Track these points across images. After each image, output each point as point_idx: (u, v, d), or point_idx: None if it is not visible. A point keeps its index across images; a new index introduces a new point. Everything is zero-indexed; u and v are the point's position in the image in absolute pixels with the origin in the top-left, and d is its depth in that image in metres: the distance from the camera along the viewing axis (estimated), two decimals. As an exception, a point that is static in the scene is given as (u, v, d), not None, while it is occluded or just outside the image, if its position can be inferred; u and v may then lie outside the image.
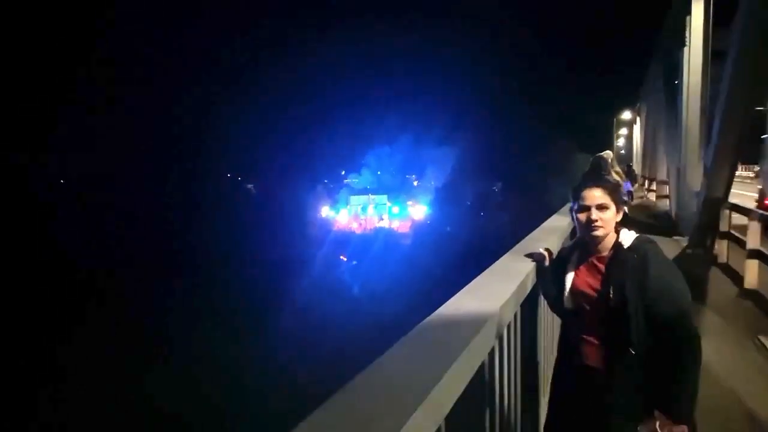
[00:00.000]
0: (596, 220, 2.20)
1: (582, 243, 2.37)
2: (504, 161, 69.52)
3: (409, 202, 66.42)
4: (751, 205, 12.08)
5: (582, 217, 2.25)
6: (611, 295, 2.10)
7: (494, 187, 73.50)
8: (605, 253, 2.24)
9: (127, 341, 24.70)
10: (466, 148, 67.87)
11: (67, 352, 23.77)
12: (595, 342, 2.19)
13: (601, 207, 2.22)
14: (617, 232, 2.24)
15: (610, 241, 2.23)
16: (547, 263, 2.63)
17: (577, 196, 2.28)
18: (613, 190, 2.28)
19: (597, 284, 2.20)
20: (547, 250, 2.73)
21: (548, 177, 55.62)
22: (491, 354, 1.88)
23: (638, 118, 33.19)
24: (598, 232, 2.21)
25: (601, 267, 2.22)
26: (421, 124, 78.68)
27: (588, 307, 2.22)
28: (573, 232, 3.08)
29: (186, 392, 19.92)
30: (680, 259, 8.20)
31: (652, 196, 21.69)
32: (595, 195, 2.23)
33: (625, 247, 2.17)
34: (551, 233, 4.05)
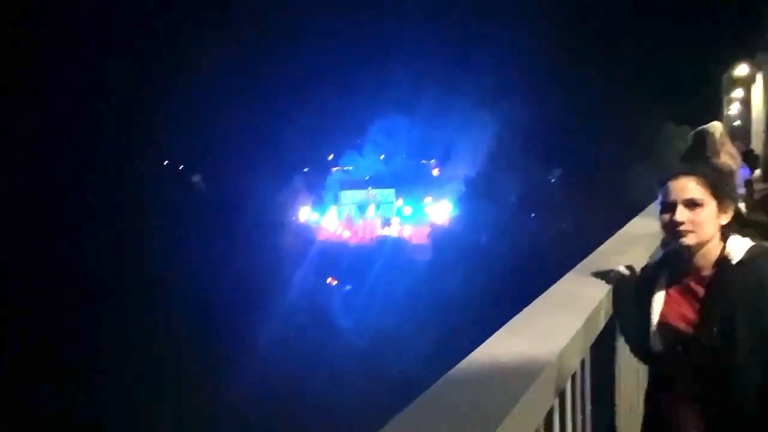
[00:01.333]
0: (681, 222, 2.20)
1: (673, 257, 2.37)
2: (565, 140, 69.12)
3: (428, 200, 66.48)
4: None
5: (665, 217, 2.26)
6: (714, 332, 2.10)
7: (551, 177, 73.32)
8: (706, 272, 2.24)
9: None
10: (509, 121, 67.71)
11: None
12: (694, 398, 2.19)
13: (692, 203, 2.22)
14: (724, 240, 2.25)
15: (712, 254, 2.23)
16: (628, 288, 2.63)
17: (661, 189, 2.29)
18: (716, 180, 2.28)
19: (695, 316, 2.21)
20: (628, 267, 2.73)
21: (629, 162, 55.48)
22: (548, 419, 1.88)
23: (759, 75, 33.06)
24: (687, 240, 2.21)
25: (701, 291, 2.22)
26: (445, 86, 77.67)
27: (683, 350, 2.22)
28: (665, 242, 3.09)
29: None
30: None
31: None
32: (685, 186, 2.24)
33: (734, 262, 2.16)
34: (633, 243, 4.05)
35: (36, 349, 31.09)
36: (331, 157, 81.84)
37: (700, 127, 6.89)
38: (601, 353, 2.59)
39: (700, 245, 2.22)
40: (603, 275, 2.78)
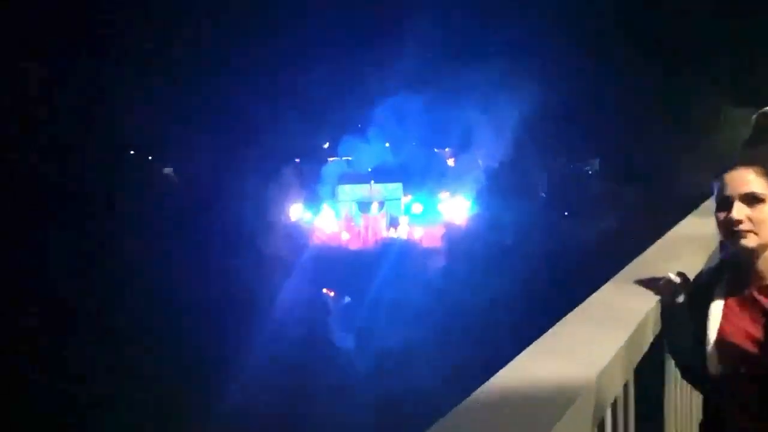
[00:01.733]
0: (740, 221, 2.20)
1: (732, 263, 2.38)
2: (604, 124, 68.88)
3: (442, 196, 66.42)
4: None
5: (721, 215, 2.26)
6: None
7: (588, 168, 73.20)
8: None
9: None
10: (537, 103, 67.49)
11: None
12: (763, 429, 2.19)
13: (752, 198, 2.22)
14: None
15: None
16: (680, 299, 2.63)
17: (717, 182, 2.29)
18: None
19: (759, 333, 2.20)
20: (680, 275, 2.73)
21: (681, 150, 55.38)
22: (585, 454, 1.88)
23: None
24: (746, 241, 2.20)
25: (766, 303, 2.22)
26: (461, 61, 77.10)
27: (747, 372, 2.22)
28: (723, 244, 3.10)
29: None
30: None
31: None
32: (744, 179, 2.24)
33: None
34: (686, 246, 4.05)
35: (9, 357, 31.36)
36: (327, 145, 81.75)
37: (764, 108, 6.87)
38: (648, 376, 2.59)
39: (763, 248, 2.21)
40: (650, 284, 2.78)
